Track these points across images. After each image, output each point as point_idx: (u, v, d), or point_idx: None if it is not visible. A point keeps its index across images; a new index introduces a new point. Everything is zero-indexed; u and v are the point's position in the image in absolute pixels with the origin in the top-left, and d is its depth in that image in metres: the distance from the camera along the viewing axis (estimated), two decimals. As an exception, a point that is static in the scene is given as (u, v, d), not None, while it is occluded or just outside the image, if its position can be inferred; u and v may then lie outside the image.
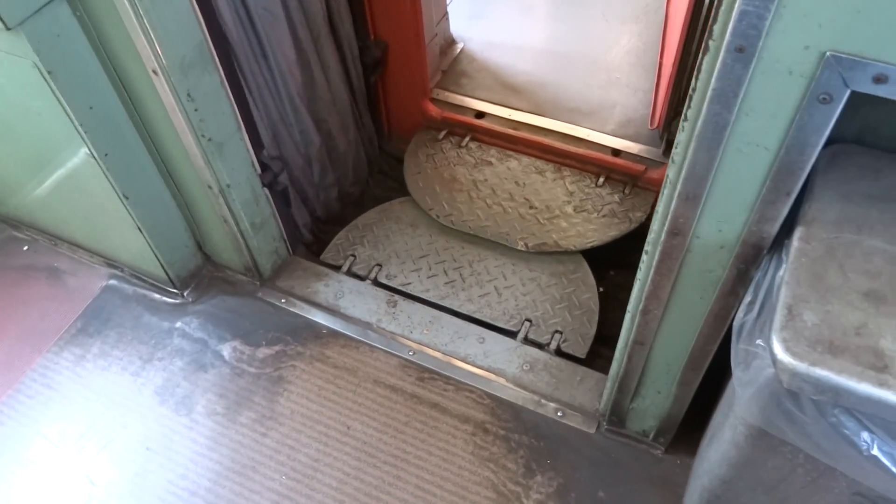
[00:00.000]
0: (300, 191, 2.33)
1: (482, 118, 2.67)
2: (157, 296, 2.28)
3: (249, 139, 1.98)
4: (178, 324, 2.21)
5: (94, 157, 1.80)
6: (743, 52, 0.93)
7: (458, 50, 2.97)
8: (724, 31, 0.92)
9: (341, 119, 2.37)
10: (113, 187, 1.88)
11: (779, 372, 1.00)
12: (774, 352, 0.99)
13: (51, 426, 2.01)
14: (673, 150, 1.14)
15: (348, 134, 2.43)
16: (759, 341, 1.09)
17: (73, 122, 1.70)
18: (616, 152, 2.52)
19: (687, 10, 2.13)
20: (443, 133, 2.65)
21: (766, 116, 0.99)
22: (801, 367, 0.97)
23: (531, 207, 2.41)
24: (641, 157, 2.50)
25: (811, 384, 0.97)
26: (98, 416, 2.02)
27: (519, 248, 2.29)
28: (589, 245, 2.29)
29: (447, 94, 2.77)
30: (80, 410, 2.03)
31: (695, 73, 1.02)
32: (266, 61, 1.99)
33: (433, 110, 2.64)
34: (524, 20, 3.18)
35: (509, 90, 2.80)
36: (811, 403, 1.03)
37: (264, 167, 2.09)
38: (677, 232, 1.24)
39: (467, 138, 2.63)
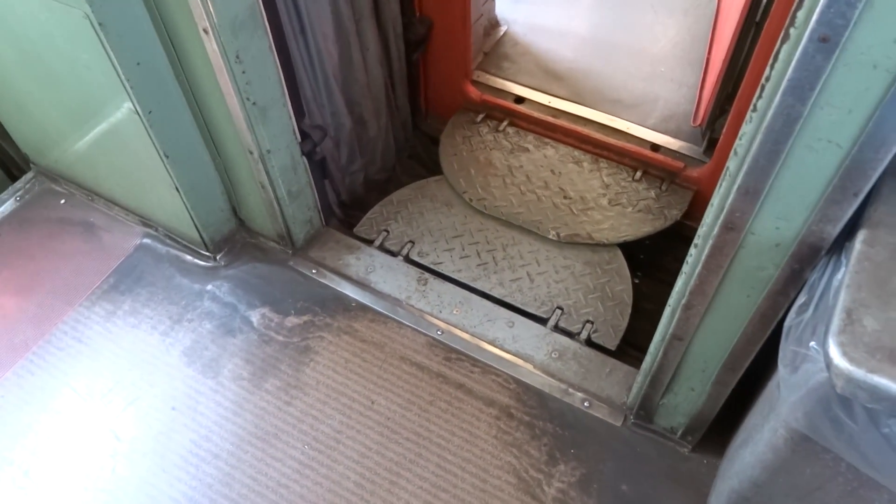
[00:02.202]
0: (327, 173, 2.30)
1: (521, 103, 2.63)
2: (189, 257, 2.29)
3: (291, 106, 1.96)
4: (209, 287, 2.21)
5: (138, 114, 1.79)
6: (827, 41, 0.89)
7: (502, 32, 2.93)
8: (808, 19, 0.88)
9: (375, 104, 2.34)
10: (154, 145, 1.87)
11: (833, 377, 0.96)
12: (830, 356, 0.96)
13: (79, 379, 2.02)
14: (736, 142, 1.11)
15: (380, 119, 2.40)
16: (812, 344, 1.06)
17: (119, 76, 1.69)
18: (655, 147, 2.47)
19: (743, 6, 2.07)
20: (481, 116, 2.61)
21: (843, 112, 0.95)
22: (858, 373, 0.93)
23: (565, 197, 2.37)
24: (681, 153, 2.45)
25: (867, 391, 0.94)
26: (126, 372, 2.03)
27: (550, 236, 2.26)
28: (622, 239, 2.25)
29: (488, 76, 2.73)
30: (108, 366, 2.05)
31: (770, 61, 0.98)
32: (304, 37, 1.96)
33: (473, 92, 2.61)
34: (570, 6, 3.12)
35: (551, 76, 2.75)
36: (864, 412, 1.00)
37: (304, 135, 2.08)
38: (732, 227, 1.20)
39: (505, 123, 2.59)
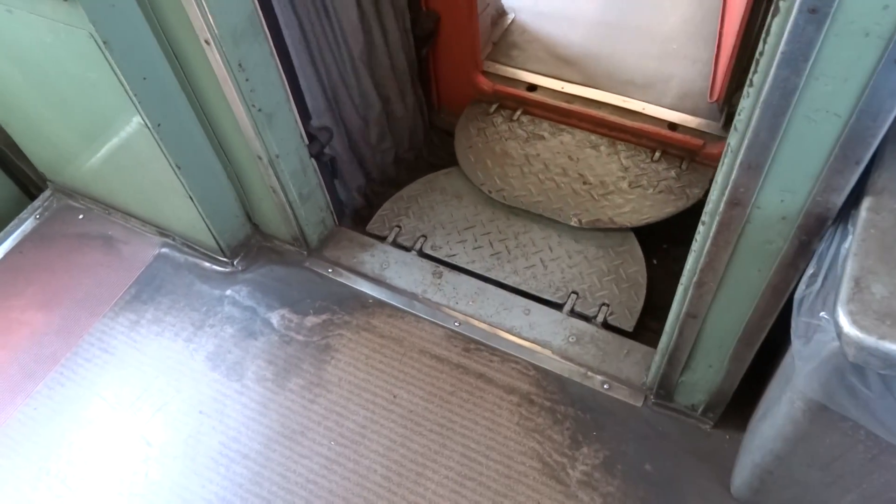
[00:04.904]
0: (357, 152, 2.35)
1: (534, 91, 2.62)
2: (207, 264, 2.33)
3: (297, 110, 1.99)
4: (229, 292, 2.25)
5: (148, 127, 1.82)
6: (816, 12, 0.89)
7: (509, 21, 2.92)
8: (797, -9, 0.89)
9: (399, 85, 2.38)
10: (165, 157, 1.91)
11: (844, 345, 0.97)
12: (840, 324, 0.96)
13: (108, 388, 2.08)
14: (736, 118, 1.11)
15: (406, 99, 2.44)
16: (822, 314, 1.07)
17: (127, 92, 1.73)
18: (673, 126, 2.44)
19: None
20: (494, 106, 2.62)
21: (838, 81, 0.95)
22: (869, 340, 0.94)
23: (585, 183, 2.37)
24: (700, 131, 2.41)
25: (879, 358, 0.95)
26: (152, 379, 2.08)
27: (573, 223, 2.26)
28: (644, 222, 2.24)
29: (498, 66, 2.72)
30: (135, 374, 2.10)
31: (763, 35, 0.98)
32: (329, 21, 2.00)
33: (484, 83, 2.61)
34: (576, -12, 3.09)
35: (561, 62, 2.74)
36: (878, 378, 1.01)
37: (311, 138, 2.10)
38: (737, 202, 1.21)
39: (519, 112, 2.59)
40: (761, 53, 1.00)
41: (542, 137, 2.51)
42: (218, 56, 1.67)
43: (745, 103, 1.07)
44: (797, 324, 1.15)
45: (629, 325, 2.06)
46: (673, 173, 2.35)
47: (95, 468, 1.93)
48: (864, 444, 1.19)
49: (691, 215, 2.26)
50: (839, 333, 0.97)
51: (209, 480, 1.88)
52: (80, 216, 2.52)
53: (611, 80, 2.64)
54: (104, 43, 1.60)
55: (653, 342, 1.92)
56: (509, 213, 2.36)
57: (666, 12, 2.91)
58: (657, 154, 2.40)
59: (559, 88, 2.61)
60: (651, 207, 2.27)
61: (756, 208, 1.20)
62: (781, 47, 0.95)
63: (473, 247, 2.29)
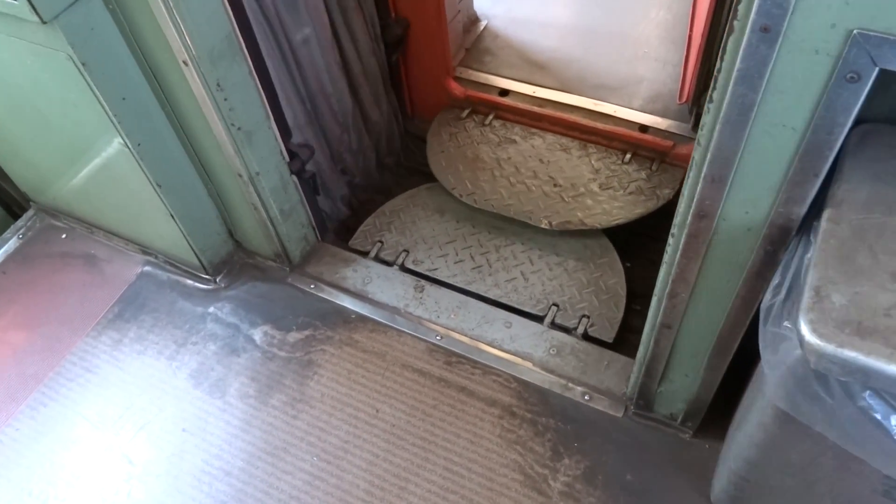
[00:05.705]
0: (339, 160, 2.37)
1: (506, 96, 2.64)
2: (190, 282, 2.33)
3: (277, 128, 2.01)
4: (211, 309, 2.26)
5: (128, 147, 1.84)
6: (768, 31, 0.92)
7: (482, 27, 2.95)
8: (748, 11, 0.91)
9: (373, 90, 2.40)
10: (146, 176, 1.92)
11: (806, 353, 0.99)
12: (801, 333, 0.98)
13: (90, 408, 2.07)
14: (698, 133, 1.14)
15: (381, 105, 2.46)
16: (786, 323, 1.09)
17: (107, 112, 1.74)
18: (643, 128, 2.47)
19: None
20: (466, 112, 2.64)
21: (793, 97, 0.98)
22: (829, 348, 0.96)
23: (555, 185, 2.39)
24: (670, 132, 2.44)
25: (839, 365, 0.97)
26: (135, 398, 2.08)
27: (542, 225, 2.29)
28: (615, 223, 2.27)
29: (471, 72, 2.75)
30: (117, 393, 2.10)
31: (720, 53, 1.01)
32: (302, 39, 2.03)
33: (456, 89, 2.63)
34: (549, -5, 3.13)
35: (534, 67, 2.76)
36: (839, 386, 1.03)
37: (292, 155, 2.12)
38: (704, 214, 1.23)
39: (491, 116, 2.62)
40: (719, 71, 1.02)
41: (514, 141, 2.54)
42: (196, 76, 1.69)
43: (706, 119, 1.10)
44: (764, 333, 1.17)
45: (609, 336, 2.08)
46: (643, 174, 2.37)
47: (78, 488, 1.92)
48: (833, 451, 1.21)
49: (664, 217, 2.30)
50: (801, 342, 0.99)
51: (192, 498, 1.88)
52: (63, 235, 2.52)
53: (583, 83, 2.66)
54: (83, 65, 1.62)
55: (633, 353, 1.95)
56: (490, 227, 2.38)
57: (638, 16, 2.94)
58: (628, 156, 2.43)
59: (531, 93, 2.64)
60: (621, 209, 2.30)
61: (722, 220, 1.23)
62: (737, 65, 0.98)
63: (455, 261, 2.31)
